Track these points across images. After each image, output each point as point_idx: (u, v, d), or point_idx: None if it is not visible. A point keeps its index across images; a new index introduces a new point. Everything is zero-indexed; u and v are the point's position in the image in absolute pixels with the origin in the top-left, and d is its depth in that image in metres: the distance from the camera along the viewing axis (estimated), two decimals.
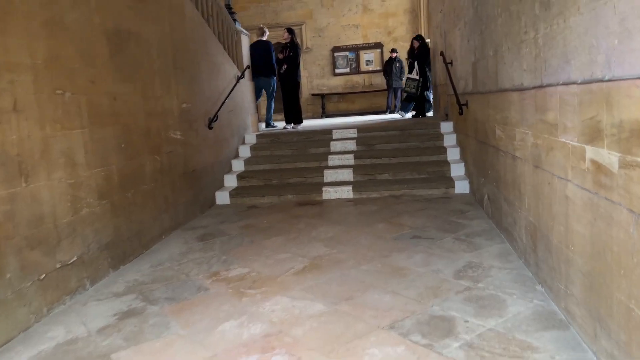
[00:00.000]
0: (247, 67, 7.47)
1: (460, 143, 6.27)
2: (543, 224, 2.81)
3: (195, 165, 5.45)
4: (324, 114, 13.95)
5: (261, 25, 8.92)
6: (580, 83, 2.15)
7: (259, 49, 8.10)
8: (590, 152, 2.07)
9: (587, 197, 2.13)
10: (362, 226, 4.51)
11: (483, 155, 4.60)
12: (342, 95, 14.40)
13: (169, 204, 4.73)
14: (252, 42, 8.30)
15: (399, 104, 13.59)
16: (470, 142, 5.40)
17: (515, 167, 3.40)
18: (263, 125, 9.03)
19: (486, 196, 4.56)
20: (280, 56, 8.51)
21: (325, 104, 14.29)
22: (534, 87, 2.87)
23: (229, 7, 7.64)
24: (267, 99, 8.76)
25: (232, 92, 6.64)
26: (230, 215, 5.35)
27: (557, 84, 2.46)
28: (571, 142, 2.30)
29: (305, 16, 14.40)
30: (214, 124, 5.88)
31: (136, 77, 4.22)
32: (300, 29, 14.39)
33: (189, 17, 5.43)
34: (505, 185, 3.76)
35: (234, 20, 7.43)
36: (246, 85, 7.59)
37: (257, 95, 8.32)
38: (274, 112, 9.04)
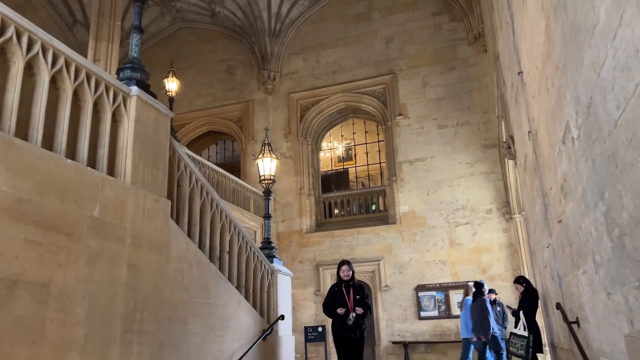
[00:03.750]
0: (281, 317, 5.60)
1: None
2: None
3: None
4: None
5: (469, 282, 8.73)
6: None
7: (474, 306, 8.26)
8: None
9: None
10: None
11: None
12: (430, 344, 11.68)
13: None
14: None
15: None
16: None
17: None
18: None
19: None
20: (340, 312, 5.21)
21: (410, 354, 11.55)
22: None
23: (268, 241, 6.26)
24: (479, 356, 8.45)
25: (248, 354, 4.68)
26: None
27: None
28: None
29: (384, 251, 12.91)
30: None
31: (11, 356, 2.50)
32: (378, 264, 12.78)
33: (177, 256, 3.93)
34: None
35: (272, 256, 5.93)
36: (279, 343, 5.59)
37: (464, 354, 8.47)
38: None
